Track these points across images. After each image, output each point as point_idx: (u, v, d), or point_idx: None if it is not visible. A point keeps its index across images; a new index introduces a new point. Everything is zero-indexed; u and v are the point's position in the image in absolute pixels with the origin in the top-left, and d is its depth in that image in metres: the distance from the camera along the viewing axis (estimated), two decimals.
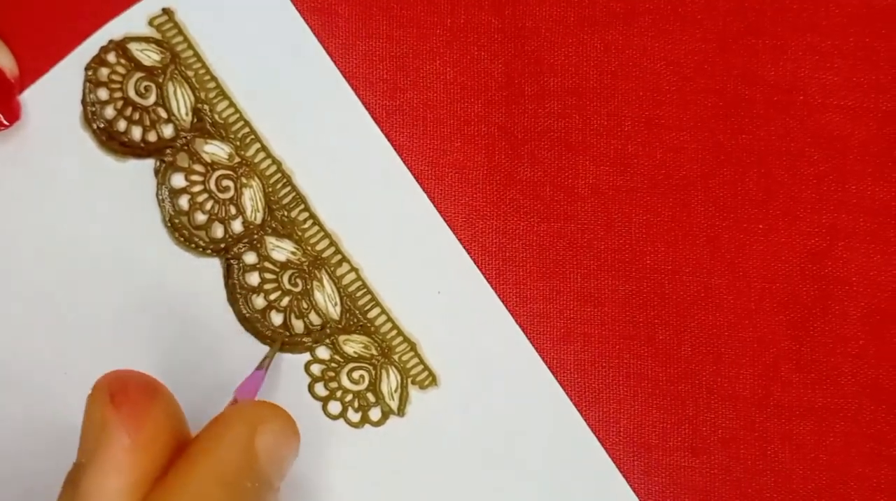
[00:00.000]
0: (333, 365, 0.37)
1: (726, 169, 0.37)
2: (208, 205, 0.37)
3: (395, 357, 0.37)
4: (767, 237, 0.37)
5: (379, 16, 0.38)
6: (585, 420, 0.36)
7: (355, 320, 0.37)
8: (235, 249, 0.37)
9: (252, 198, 0.37)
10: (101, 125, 0.37)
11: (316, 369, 0.37)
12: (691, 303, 0.37)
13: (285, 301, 0.37)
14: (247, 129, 0.38)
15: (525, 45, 0.38)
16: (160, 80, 0.38)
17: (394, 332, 0.37)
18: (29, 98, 0.37)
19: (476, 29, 0.38)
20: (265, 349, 0.37)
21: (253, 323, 0.37)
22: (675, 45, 0.38)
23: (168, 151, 0.37)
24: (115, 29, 0.38)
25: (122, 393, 0.28)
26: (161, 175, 0.37)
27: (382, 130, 0.38)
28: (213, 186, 0.37)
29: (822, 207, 0.37)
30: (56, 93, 0.38)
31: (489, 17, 0.38)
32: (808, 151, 0.37)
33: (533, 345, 0.37)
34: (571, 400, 0.36)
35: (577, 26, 0.38)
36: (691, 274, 0.37)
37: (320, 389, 0.37)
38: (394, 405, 0.36)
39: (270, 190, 0.37)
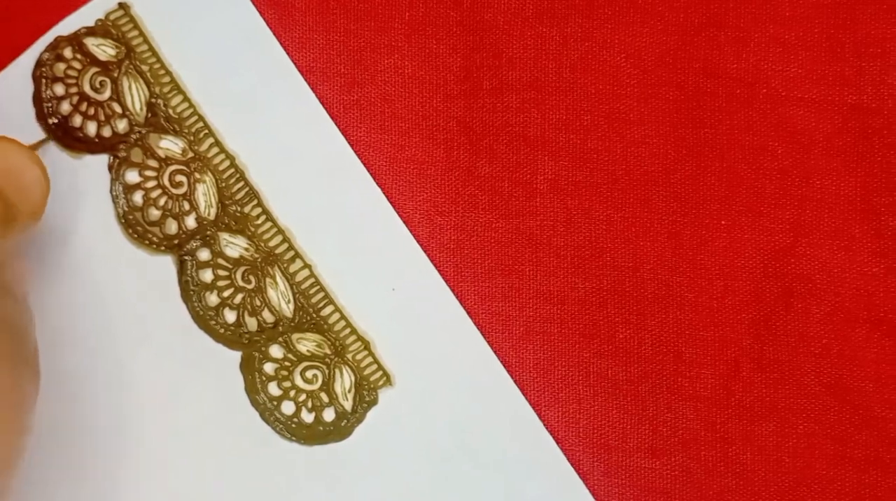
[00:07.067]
0: (287, 363, 0.36)
1: (688, 164, 0.36)
2: (162, 201, 0.37)
3: (349, 356, 0.36)
4: (730, 233, 0.36)
5: (336, 9, 0.38)
6: (545, 420, 0.36)
7: (308, 318, 0.36)
8: (189, 246, 0.37)
9: (205, 194, 0.37)
10: (57, 121, 0.37)
11: (269, 368, 0.36)
12: (652, 301, 0.36)
13: (238, 298, 0.36)
14: (201, 124, 0.37)
15: (484, 39, 0.37)
16: (115, 75, 0.37)
17: (347, 330, 0.36)
18: None
19: (434, 22, 0.37)
20: (219, 347, 0.36)
21: (206, 321, 0.36)
22: (635, 38, 0.37)
23: (122, 146, 0.37)
24: (71, 24, 0.38)
25: None
26: (115, 171, 0.37)
27: (339, 125, 0.37)
28: (166, 182, 0.37)
29: (785, 203, 0.36)
30: (10, 91, 0.37)
31: (448, 9, 0.37)
32: (771, 145, 0.36)
33: (490, 344, 0.36)
34: (530, 399, 0.36)
35: (536, 18, 0.37)
36: (652, 271, 0.36)
37: (273, 389, 0.36)
38: (347, 406, 0.36)
39: (224, 185, 0.37)
